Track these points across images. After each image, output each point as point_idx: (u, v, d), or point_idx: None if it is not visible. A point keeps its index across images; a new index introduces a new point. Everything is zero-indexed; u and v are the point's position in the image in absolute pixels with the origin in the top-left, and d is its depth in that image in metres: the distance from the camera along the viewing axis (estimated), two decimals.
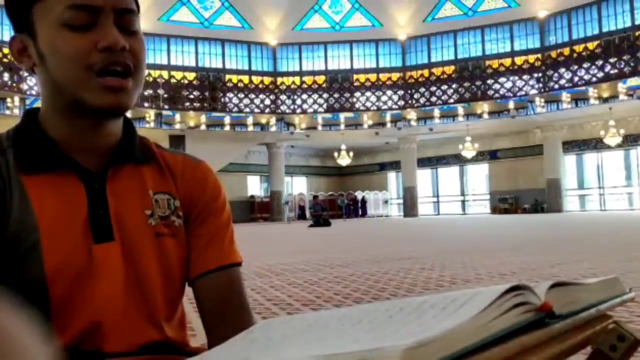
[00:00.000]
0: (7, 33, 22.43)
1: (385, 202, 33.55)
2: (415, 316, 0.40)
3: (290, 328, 0.48)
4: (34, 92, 21.96)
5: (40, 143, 0.79)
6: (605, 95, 23.91)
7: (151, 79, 25.46)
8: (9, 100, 21.39)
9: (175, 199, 0.87)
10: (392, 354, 0.32)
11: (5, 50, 21.65)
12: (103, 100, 0.76)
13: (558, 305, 0.42)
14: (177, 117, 26.24)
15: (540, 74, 25.71)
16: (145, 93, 25.07)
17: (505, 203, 28.52)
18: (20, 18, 0.79)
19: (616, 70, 23.42)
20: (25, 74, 21.92)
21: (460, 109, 27.18)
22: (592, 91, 23.95)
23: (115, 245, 0.79)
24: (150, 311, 0.81)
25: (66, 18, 0.74)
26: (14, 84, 21.62)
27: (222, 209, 0.92)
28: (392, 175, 34.59)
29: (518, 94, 26.09)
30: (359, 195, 32.77)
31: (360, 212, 32.29)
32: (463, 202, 31.75)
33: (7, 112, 21.22)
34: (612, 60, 23.52)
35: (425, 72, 28.21)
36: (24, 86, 21.97)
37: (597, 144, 25.66)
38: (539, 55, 25.89)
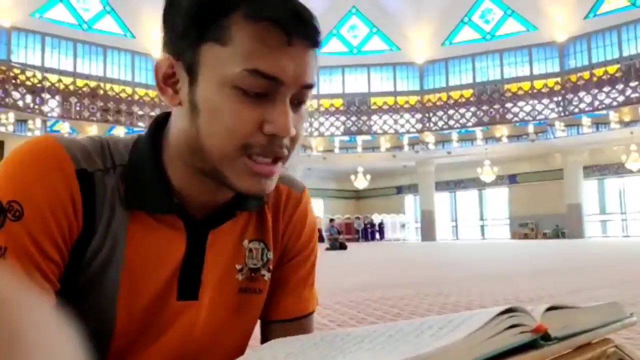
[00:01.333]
0: (32, 56, 22.97)
1: (403, 225, 33.29)
2: (413, 335, 0.41)
3: (296, 346, 0.50)
4: (55, 114, 22.35)
5: (159, 187, 0.70)
6: (627, 119, 23.62)
7: None
8: (30, 122, 21.80)
9: (269, 249, 0.80)
10: None
11: (29, 74, 22.14)
12: (246, 185, 0.67)
13: (554, 328, 0.42)
14: None
15: (559, 98, 25.53)
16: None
17: (525, 228, 28.12)
18: (186, 46, 0.65)
19: (637, 94, 23.17)
20: (48, 96, 22.37)
21: (478, 132, 27.04)
22: (613, 115, 23.69)
23: (198, 305, 0.73)
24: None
25: (242, 82, 0.63)
26: (36, 106, 22.05)
27: (312, 252, 0.87)
28: (409, 199, 34.39)
29: (537, 117, 25.91)
30: (376, 218, 32.53)
31: (377, 236, 32.02)
32: (482, 226, 31.38)
33: (29, 133, 21.61)
34: (633, 84, 23.29)
35: (443, 96, 28.20)
36: (46, 108, 22.40)
37: (618, 169, 25.29)
38: (559, 79, 25.74)
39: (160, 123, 0.73)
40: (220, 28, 0.63)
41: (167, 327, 0.71)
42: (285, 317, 0.83)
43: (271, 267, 0.81)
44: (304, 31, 0.64)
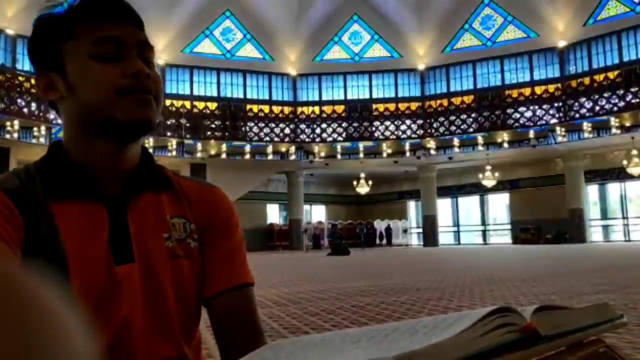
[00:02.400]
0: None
1: (405, 231, 33.30)
2: (408, 334, 0.42)
3: (297, 347, 0.51)
4: (59, 122, 22.47)
5: (66, 169, 0.85)
6: (628, 124, 23.68)
7: (174, 109, 25.95)
8: (35, 129, 21.92)
9: (191, 223, 0.92)
10: None
11: (34, 81, 22.27)
12: (133, 114, 0.83)
13: (544, 328, 0.43)
14: (199, 146, 26.58)
15: (560, 103, 25.60)
16: (168, 122, 25.49)
17: (527, 233, 28.11)
18: (48, 56, 0.86)
19: (638, 100, 23.22)
20: None
21: (480, 138, 27.10)
22: (613, 120, 23.75)
23: (135, 267, 0.84)
24: (168, 330, 0.85)
25: (94, 51, 0.83)
26: (41, 114, 22.18)
27: (235, 230, 0.96)
28: (411, 204, 34.42)
29: (538, 123, 25.96)
30: (379, 224, 32.42)
31: (384, 241, 31.85)
32: (484, 231, 31.39)
33: (34, 140, 21.73)
34: (633, 89, 23.35)
35: (445, 102, 28.28)
36: (51, 115, 22.51)
37: (620, 174, 25.31)
38: (559, 85, 25.81)
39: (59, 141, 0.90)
40: (69, 33, 0.84)
41: (119, 291, 0.81)
42: (224, 285, 0.90)
43: (195, 236, 0.91)
44: (123, 14, 0.86)
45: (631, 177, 24.23)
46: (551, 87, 26.01)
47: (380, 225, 31.98)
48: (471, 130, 27.39)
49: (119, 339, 0.81)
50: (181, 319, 0.87)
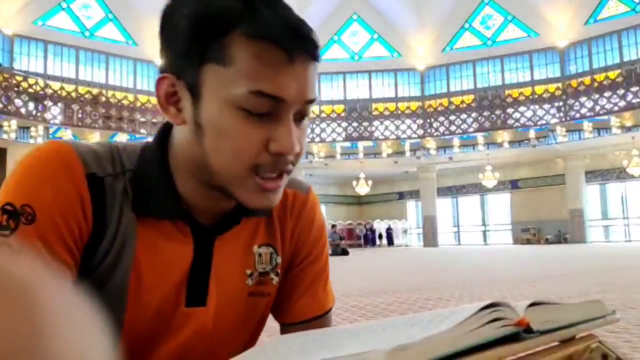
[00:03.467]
0: (34, 63, 23.08)
1: (405, 231, 33.26)
2: (404, 329, 0.44)
3: (297, 341, 0.52)
4: (57, 122, 22.45)
5: (166, 193, 0.71)
6: (628, 124, 23.64)
7: None
8: (32, 129, 21.88)
9: (278, 254, 0.82)
10: (375, 357, 0.36)
11: (31, 81, 22.24)
12: (256, 201, 0.68)
13: (536, 323, 0.44)
14: None
15: (560, 103, 25.57)
16: None
17: (527, 233, 28.09)
18: (188, 65, 0.66)
19: (638, 100, 23.20)
20: (50, 103, 22.47)
21: (480, 137, 27.08)
22: (614, 120, 23.71)
23: (206, 311, 0.74)
24: None
25: (247, 103, 0.63)
26: (38, 114, 22.13)
27: (323, 250, 0.88)
28: (411, 204, 34.40)
29: (539, 123, 25.93)
30: (378, 225, 32.34)
31: (385, 242, 31.74)
32: (484, 232, 31.35)
33: (32, 140, 21.69)
34: (634, 89, 23.32)
35: (444, 101, 28.26)
36: (48, 115, 22.47)
37: (620, 174, 25.28)
38: (560, 84, 25.80)
39: (167, 130, 0.75)
40: (220, 48, 0.63)
41: (174, 333, 0.72)
42: (303, 318, 0.84)
43: (279, 270, 0.82)
44: (303, 47, 0.64)
45: (632, 177, 24.22)
46: (551, 87, 25.98)
47: (380, 225, 31.89)
48: (471, 130, 27.36)
49: None
50: (244, 349, 0.79)
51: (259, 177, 0.66)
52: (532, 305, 0.46)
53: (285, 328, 0.85)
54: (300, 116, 0.68)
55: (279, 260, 0.82)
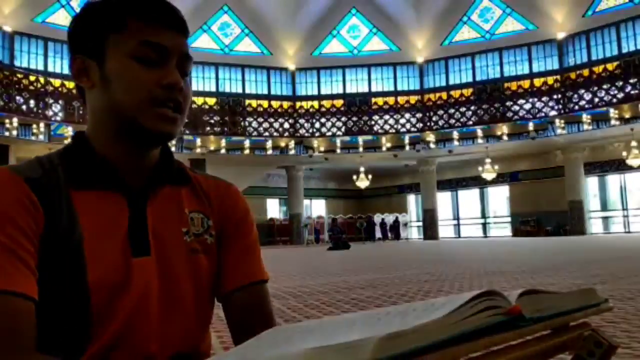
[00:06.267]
0: (34, 60, 23.08)
1: (405, 224, 33.32)
2: (399, 317, 0.44)
3: (294, 332, 0.53)
4: (58, 119, 22.49)
5: (89, 159, 0.86)
6: (627, 116, 23.67)
7: None
8: (34, 126, 21.91)
9: (209, 218, 0.94)
10: (369, 344, 0.37)
11: (32, 78, 22.28)
12: (159, 127, 0.84)
13: (529, 311, 0.44)
14: (198, 141, 26.58)
15: (559, 96, 25.59)
16: None
17: (527, 225, 28.17)
18: (91, 42, 0.86)
19: (637, 91, 23.22)
20: (51, 100, 22.53)
21: (479, 131, 27.11)
22: (613, 112, 23.74)
23: (151, 260, 0.85)
24: (184, 325, 0.87)
25: (138, 52, 0.83)
26: (40, 111, 22.15)
27: (251, 229, 0.99)
28: (411, 198, 34.46)
29: (537, 115, 25.96)
30: (385, 217, 32.17)
31: (389, 235, 31.54)
32: (484, 224, 31.43)
33: (33, 137, 21.73)
34: (632, 80, 23.34)
35: (444, 95, 28.27)
36: (49, 112, 22.48)
37: (619, 165, 25.33)
38: (558, 77, 25.80)
39: (83, 133, 0.91)
40: (118, 22, 0.85)
41: (130, 282, 0.82)
42: (242, 282, 0.92)
43: (213, 232, 0.92)
44: (172, 17, 0.87)
45: (631, 168, 24.26)
46: (550, 79, 26.00)
47: (380, 219, 31.92)
48: (470, 123, 27.39)
49: (130, 329, 0.82)
50: (198, 315, 0.89)
51: (158, 108, 0.83)
52: (525, 293, 0.46)
53: (225, 300, 0.93)
54: (183, 72, 0.87)
55: (211, 223, 0.93)
